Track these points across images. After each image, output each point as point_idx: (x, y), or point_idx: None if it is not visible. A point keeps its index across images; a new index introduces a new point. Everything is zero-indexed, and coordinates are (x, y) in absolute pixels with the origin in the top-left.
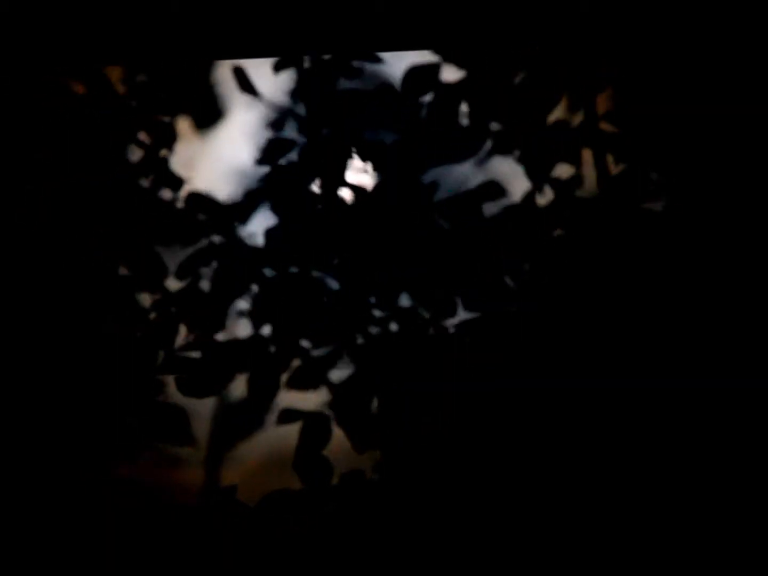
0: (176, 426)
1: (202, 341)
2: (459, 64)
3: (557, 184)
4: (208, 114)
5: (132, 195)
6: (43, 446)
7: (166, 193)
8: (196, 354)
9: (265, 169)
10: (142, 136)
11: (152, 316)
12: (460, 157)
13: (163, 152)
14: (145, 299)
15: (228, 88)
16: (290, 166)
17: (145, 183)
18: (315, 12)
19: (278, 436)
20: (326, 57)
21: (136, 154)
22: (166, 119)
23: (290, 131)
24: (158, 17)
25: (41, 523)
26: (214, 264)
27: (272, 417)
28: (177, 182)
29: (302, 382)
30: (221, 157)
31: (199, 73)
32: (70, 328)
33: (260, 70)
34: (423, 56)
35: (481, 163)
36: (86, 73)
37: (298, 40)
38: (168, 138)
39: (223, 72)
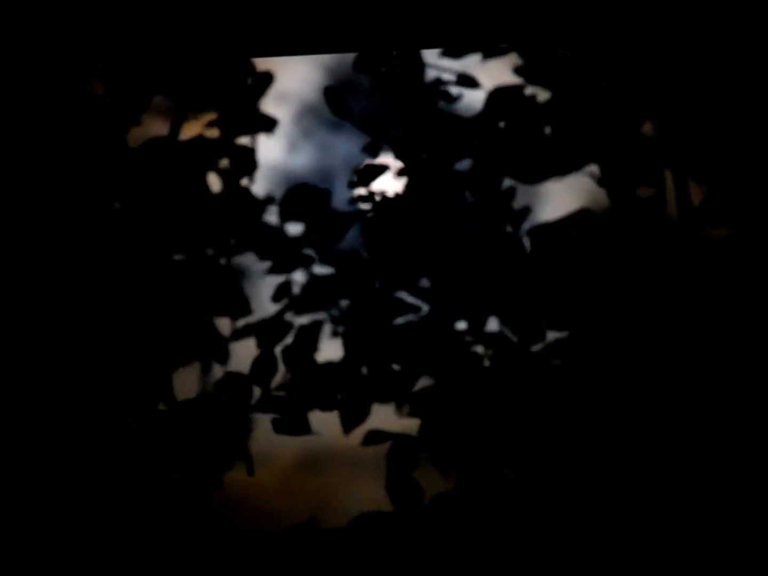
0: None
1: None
2: (541, 84)
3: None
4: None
5: (212, 218)
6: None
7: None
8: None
9: (356, 191)
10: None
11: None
12: (542, 178)
13: (244, 180)
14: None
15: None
16: (383, 190)
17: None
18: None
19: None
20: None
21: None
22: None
23: (384, 154)
24: (180, 16)
25: (62, 527)
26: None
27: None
28: (258, 204)
29: (390, 402)
30: (307, 177)
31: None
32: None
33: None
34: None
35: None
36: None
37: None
38: (248, 162)
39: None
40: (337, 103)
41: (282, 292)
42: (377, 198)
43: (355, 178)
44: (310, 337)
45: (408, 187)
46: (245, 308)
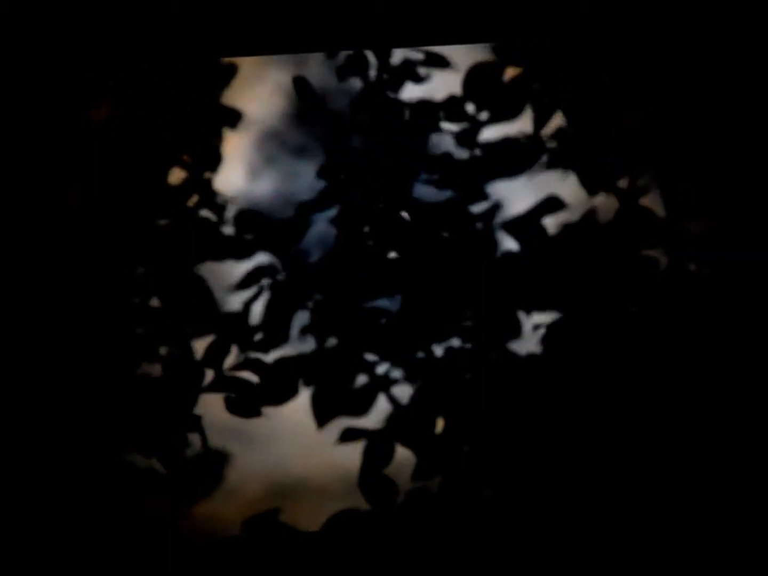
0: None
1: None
2: (518, 64)
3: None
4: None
5: (175, 214)
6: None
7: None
8: (247, 374)
9: (322, 183)
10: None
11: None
12: (522, 169)
13: (207, 174)
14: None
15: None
16: (351, 178)
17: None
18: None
19: (340, 456)
20: (391, 60)
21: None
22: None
23: (352, 143)
24: (161, 16)
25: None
26: (267, 281)
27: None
28: (221, 202)
29: (364, 400)
30: (272, 169)
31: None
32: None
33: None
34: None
35: (536, 175)
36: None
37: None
38: (212, 156)
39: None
40: (305, 92)
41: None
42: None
43: (320, 169)
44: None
45: (373, 188)
46: (211, 306)
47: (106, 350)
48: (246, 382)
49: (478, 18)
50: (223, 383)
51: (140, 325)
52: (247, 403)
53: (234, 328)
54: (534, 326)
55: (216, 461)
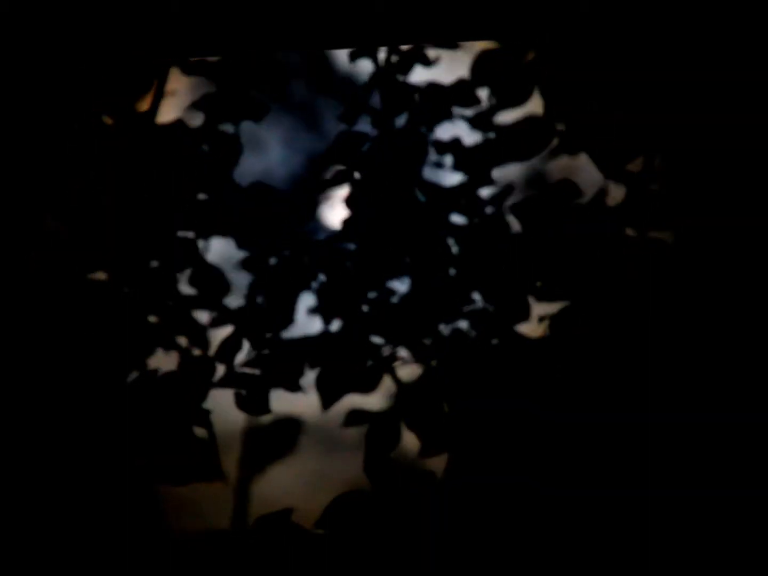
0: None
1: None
2: (527, 51)
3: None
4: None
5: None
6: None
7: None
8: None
9: (334, 163)
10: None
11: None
12: (529, 154)
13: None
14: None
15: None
16: (362, 161)
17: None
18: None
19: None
20: (402, 47)
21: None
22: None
23: (363, 125)
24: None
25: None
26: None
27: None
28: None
29: (369, 382)
30: (286, 150)
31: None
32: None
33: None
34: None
35: (550, 158)
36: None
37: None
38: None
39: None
40: (323, 72)
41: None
42: (356, 174)
43: (331, 150)
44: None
45: (387, 161)
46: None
47: (115, 343)
48: (256, 379)
49: (482, 17)
50: (234, 379)
51: (153, 314)
52: (256, 400)
53: (245, 317)
54: (539, 318)
55: (289, 427)
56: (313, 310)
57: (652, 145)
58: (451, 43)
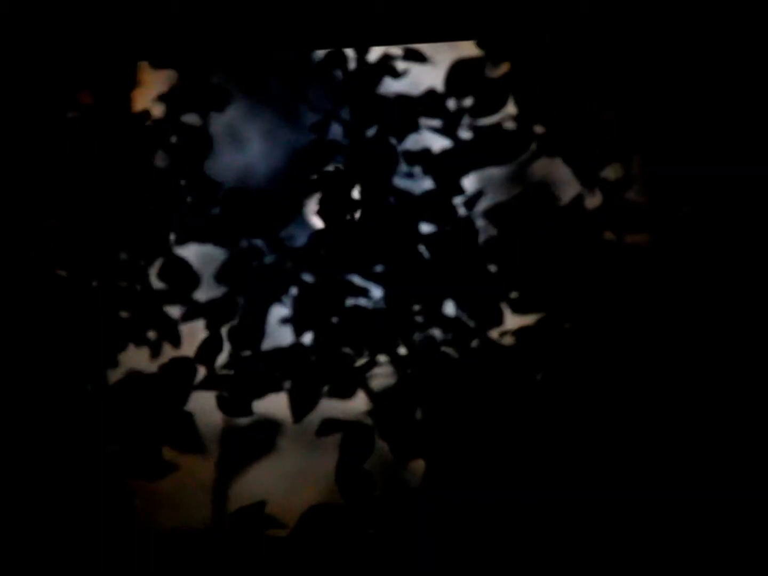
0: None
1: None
2: (503, 59)
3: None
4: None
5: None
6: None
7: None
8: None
9: (305, 172)
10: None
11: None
12: (504, 160)
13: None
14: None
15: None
16: (333, 169)
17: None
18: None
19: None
20: (370, 56)
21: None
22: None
23: (333, 134)
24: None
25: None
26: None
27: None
28: (212, 185)
29: (343, 391)
30: (258, 158)
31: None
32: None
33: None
34: (465, 51)
35: (527, 165)
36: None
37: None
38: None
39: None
40: (291, 79)
41: (227, 272)
42: (327, 180)
43: (302, 158)
44: (257, 318)
45: (357, 168)
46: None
47: (90, 338)
48: (237, 380)
49: (472, 15)
50: (215, 381)
51: (125, 310)
52: (238, 401)
53: (223, 319)
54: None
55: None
56: (285, 321)
57: (631, 147)
58: (419, 56)
